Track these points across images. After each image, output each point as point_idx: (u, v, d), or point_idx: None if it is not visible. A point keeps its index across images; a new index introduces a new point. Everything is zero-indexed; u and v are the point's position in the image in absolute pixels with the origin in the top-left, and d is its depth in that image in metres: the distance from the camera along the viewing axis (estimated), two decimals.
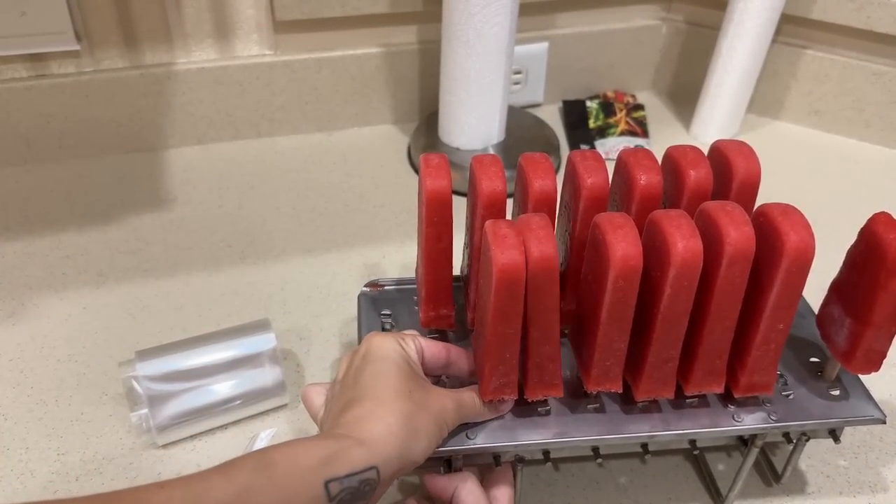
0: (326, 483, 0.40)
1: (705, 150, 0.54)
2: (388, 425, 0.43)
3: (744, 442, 0.55)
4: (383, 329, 0.57)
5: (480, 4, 0.78)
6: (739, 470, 0.55)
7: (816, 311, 0.55)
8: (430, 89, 0.99)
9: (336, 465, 0.40)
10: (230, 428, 0.62)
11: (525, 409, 0.51)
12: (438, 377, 0.53)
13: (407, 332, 0.52)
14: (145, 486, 0.37)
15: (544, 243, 0.43)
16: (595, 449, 0.52)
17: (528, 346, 0.47)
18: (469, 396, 0.49)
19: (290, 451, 0.41)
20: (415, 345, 0.49)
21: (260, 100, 0.94)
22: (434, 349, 0.51)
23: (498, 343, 0.46)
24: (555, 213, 0.53)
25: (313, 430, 0.62)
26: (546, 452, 0.52)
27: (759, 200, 0.51)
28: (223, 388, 0.60)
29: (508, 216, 0.52)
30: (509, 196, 0.51)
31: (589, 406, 0.52)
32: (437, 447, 0.47)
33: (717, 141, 0.54)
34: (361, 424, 0.43)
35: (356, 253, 0.80)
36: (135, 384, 0.58)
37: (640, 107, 1.05)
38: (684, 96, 1.07)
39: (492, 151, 0.90)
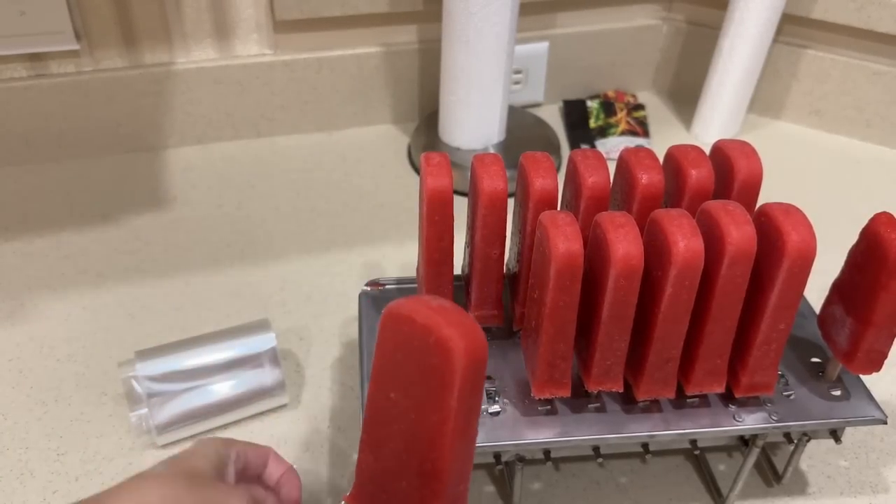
0: None
1: (706, 150, 0.54)
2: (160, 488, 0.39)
3: (745, 442, 0.55)
4: None
5: (480, 4, 0.78)
6: (740, 470, 0.55)
7: (818, 311, 0.55)
8: (430, 89, 0.99)
9: None
10: (230, 428, 0.61)
11: (526, 408, 0.51)
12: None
13: (241, 441, 0.48)
14: None
15: (571, 240, 0.44)
16: (596, 448, 0.52)
17: (542, 343, 0.47)
18: (269, 499, 0.46)
19: None
20: (237, 451, 0.46)
21: (259, 99, 0.94)
22: (254, 451, 0.48)
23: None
24: None
25: (312, 430, 0.62)
26: (547, 452, 0.51)
27: (761, 200, 0.51)
28: (223, 388, 0.60)
29: (509, 216, 0.52)
30: (510, 195, 0.51)
31: (590, 405, 0.52)
32: None
33: (719, 140, 0.54)
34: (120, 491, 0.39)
35: (356, 253, 0.80)
36: (134, 384, 0.58)
37: (640, 106, 1.05)
38: (685, 96, 1.07)
39: (492, 151, 0.90)
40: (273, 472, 0.50)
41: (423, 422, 0.37)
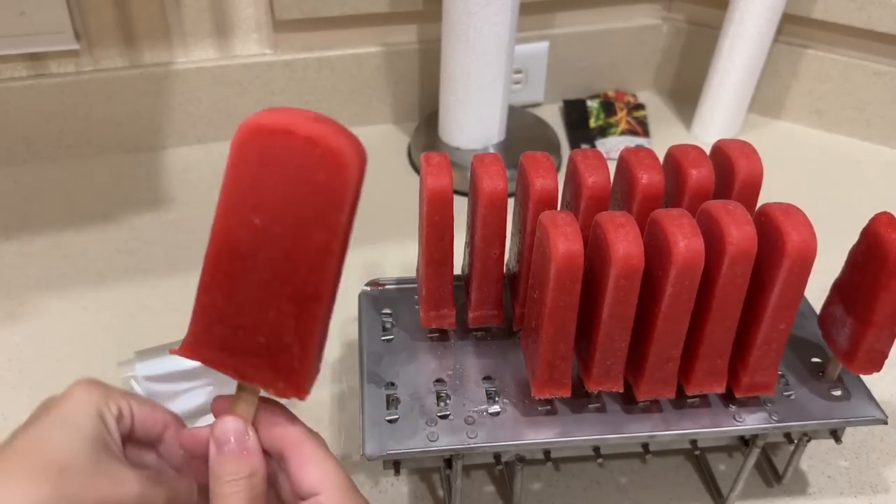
0: None
1: (706, 150, 0.54)
2: None
3: (745, 442, 0.55)
4: (383, 329, 0.57)
5: (480, 3, 0.78)
6: (740, 470, 0.55)
7: (818, 311, 0.55)
8: (430, 89, 0.99)
9: None
10: None
11: (526, 408, 0.51)
12: None
13: (123, 391, 0.40)
14: None
15: (571, 240, 0.43)
16: (596, 449, 0.52)
17: (542, 343, 0.47)
18: (187, 485, 0.39)
19: None
20: (118, 407, 0.38)
21: (259, 99, 0.94)
22: (149, 415, 0.39)
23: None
24: None
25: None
26: (547, 452, 0.51)
27: (761, 200, 0.51)
28: (223, 388, 0.60)
29: (509, 216, 0.52)
30: (510, 195, 0.51)
31: (590, 406, 0.52)
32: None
33: (720, 140, 0.54)
34: None
35: (356, 253, 0.79)
36: (134, 384, 0.58)
37: (640, 106, 1.05)
38: (685, 96, 1.06)
39: (492, 151, 0.90)
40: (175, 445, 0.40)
41: (301, 244, 0.33)
